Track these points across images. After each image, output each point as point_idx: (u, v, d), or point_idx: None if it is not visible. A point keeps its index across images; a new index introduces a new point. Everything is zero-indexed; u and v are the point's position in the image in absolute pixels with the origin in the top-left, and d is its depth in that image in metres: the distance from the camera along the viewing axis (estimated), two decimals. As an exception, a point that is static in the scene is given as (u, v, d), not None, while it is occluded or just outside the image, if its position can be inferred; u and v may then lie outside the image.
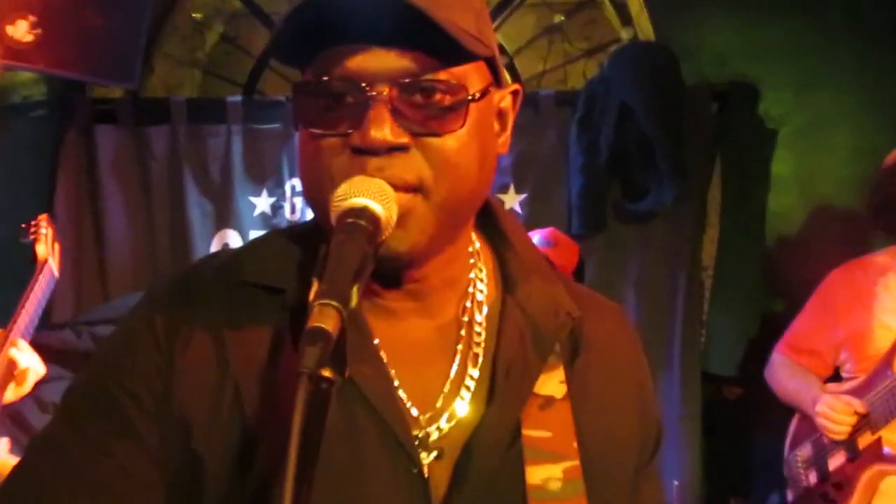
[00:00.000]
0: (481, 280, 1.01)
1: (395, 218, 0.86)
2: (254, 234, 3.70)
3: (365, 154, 0.87)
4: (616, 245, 3.61)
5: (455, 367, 0.97)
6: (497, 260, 1.04)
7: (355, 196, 0.85)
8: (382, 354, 0.95)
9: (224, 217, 3.74)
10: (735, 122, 3.61)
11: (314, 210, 0.94)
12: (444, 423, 0.95)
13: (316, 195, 0.91)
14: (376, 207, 0.85)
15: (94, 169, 3.76)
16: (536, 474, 0.94)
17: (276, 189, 3.73)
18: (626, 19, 3.86)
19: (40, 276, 2.49)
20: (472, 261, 1.02)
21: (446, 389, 0.96)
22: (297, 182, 3.68)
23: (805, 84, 3.51)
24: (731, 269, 3.67)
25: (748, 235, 3.65)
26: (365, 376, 0.92)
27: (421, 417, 0.95)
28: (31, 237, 2.55)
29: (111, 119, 3.77)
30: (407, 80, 0.87)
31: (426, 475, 0.92)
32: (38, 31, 3.22)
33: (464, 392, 0.96)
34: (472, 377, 0.97)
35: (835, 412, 2.63)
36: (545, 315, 1.00)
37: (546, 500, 0.93)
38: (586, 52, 3.97)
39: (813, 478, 2.77)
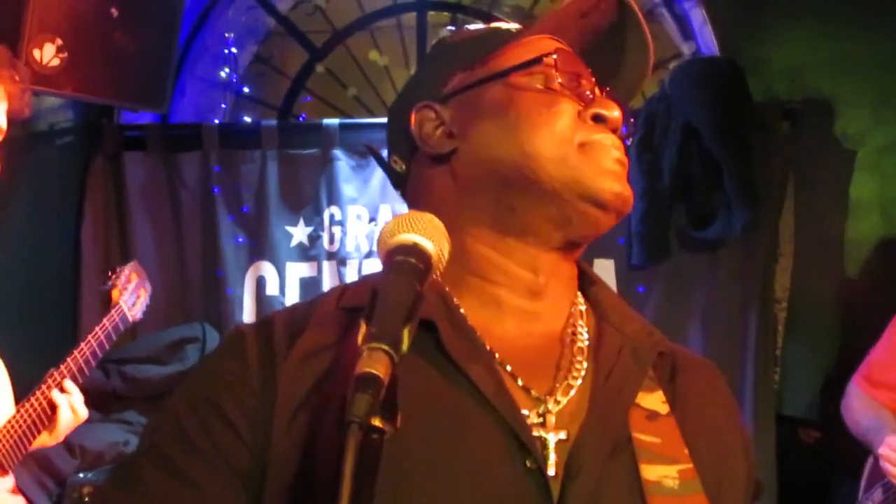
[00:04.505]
0: (579, 295, 1.05)
1: (446, 255, 0.86)
2: (290, 266, 3.67)
3: (606, 124, 0.99)
4: (681, 276, 3.48)
5: (560, 374, 0.98)
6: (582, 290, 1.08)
7: (404, 232, 0.84)
8: (496, 354, 0.96)
9: (259, 248, 3.67)
10: (809, 142, 3.48)
11: (524, 162, 0.98)
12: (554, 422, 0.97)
13: (540, 144, 0.97)
14: (426, 244, 0.84)
15: (122, 198, 3.72)
16: (651, 472, 0.94)
17: (314, 217, 3.66)
18: (688, 33, 3.79)
19: (105, 319, 2.55)
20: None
21: (556, 390, 0.97)
22: (335, 210, 3.65)
23: (885, 100, 3.41)
24: (806, 301, 3.56)
25: (824, 265, 3.54)
26: (478, 374, 0.93)
27: (531, 414, 0.95)
28: (109, 284, 2.66)
29: (140, 146, 3.74)
30: (608, 90, 1.04)
31: (546, 471, 0.92)
32: (65, 54, 3.24)
33: (571, 394, 0.97)
34: (573, 385, 0.98)
35: None
36: (641, 335, 1.02)
37: (664, 496, 0.93)
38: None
39: None
